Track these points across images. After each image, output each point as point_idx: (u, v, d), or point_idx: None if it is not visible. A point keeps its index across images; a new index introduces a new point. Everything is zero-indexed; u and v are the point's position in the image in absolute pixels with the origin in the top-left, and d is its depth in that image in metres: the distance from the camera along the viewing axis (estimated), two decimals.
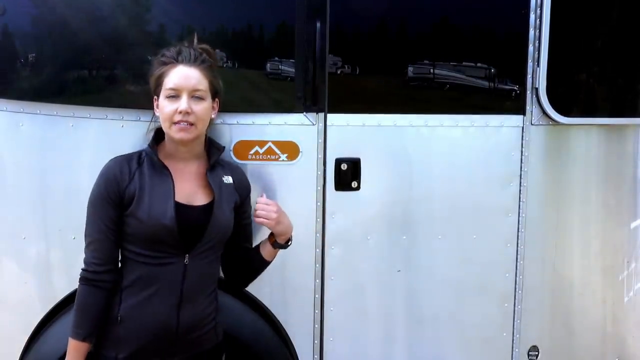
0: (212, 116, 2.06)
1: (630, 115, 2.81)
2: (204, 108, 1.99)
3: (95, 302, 1.95)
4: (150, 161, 2.01)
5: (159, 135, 2.07)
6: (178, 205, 1.95)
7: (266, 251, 2.14)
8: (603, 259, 2.84)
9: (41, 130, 2.33)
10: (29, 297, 2.39)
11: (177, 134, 1.95)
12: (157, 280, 1.94)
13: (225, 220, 2.02)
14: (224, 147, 2.15)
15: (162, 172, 1.99)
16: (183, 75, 1.96)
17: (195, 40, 2.09)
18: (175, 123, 1.94)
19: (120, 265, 2.00)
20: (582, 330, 2.83)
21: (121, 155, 2.04)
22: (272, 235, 2.14)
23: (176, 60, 1.99)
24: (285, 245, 2.15)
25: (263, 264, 2.16)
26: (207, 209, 1.99)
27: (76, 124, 2.33)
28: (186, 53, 2.00)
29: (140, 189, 1.95)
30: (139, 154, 2.03)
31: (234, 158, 2.38)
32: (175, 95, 1.95)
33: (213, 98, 2.05)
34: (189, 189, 2.01)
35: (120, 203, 1.95)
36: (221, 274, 2.18)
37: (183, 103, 1.94)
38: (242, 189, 2.15)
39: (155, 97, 2.03)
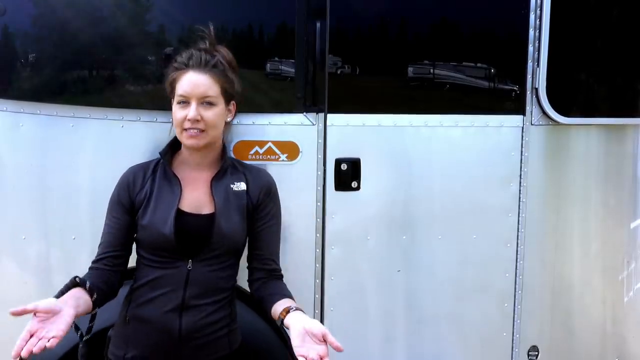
0: (228, 119, 2.06)
1: (630, 115, 2.81)
2: (215, 114, 1.97)
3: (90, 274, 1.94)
4: (163, 169, 2.03)
5: (176, 141, 2.07)
6: (182, 214, 1.96)
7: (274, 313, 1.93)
8: (603, 259, 2.84)
9: (41, 130, 2.33)
10: (29, 297, 2.37)
11: (188, 140, 1.96)
12: (162, 283, 1.95)
13: (231, 229, 1.98)
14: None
15: (172, 180, 2.00)
16: (192, 82, 1.95)
17: (212, 32, 2.07)
18: (185, 130, 1.95)
19: (136, 269, 2.03)
20: (582, 330, 2.83)
21: (139, 164, 2.07)
22: (284, 311, 1.87)
23: (187, 66, 1.98)
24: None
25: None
26: (212, 218, 1.98)
27: (76, 124, 2.33)
28: (197, 58, 1.99)
29: (149, 196, 1.97)
30: (156, 162, 2.06)
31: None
32: (185, 102, 1.96)
33: (228, 101, 2.04)
34: (198, 197, 2.01)
35: (131, 209, 1.99)
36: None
37: (192, 111, 1.93)
38: (256, 194, 2.06)
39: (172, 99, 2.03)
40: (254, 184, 2.07)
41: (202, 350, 1.99)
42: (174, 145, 2.08)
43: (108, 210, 2.03)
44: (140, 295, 1.97)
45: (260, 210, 2.07)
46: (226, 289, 2.03)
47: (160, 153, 2.06)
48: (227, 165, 2.07)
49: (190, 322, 1.95)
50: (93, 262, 2.00)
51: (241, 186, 2.05)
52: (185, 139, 1.97)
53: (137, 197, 1.98)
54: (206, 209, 2.00)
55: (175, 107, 1.98)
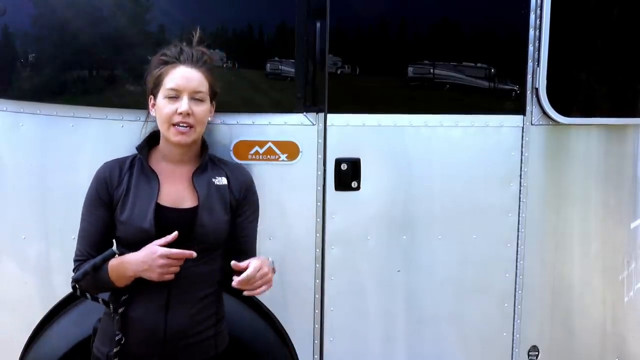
0: (209, 118, 2.04)
1: (630, 115, 2.81)
2: (204, 110, 1.97)
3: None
4: (140, 164, 2.00)
5: (153, 137, 2.06)
6: (161, 209, 1.93)
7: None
8: (603, 259, 2.84)
9: (41, 130, 2.33)
10: (29, 297, 2.39)
11: (176, 137, 1.93)
12: (145, 281, 1.90)
13: (214, 223, 1.96)
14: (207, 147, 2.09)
15: (150, 175, 1.97)
16: (185, 76, 1.94)
17: (197, 37, 2.07)
18: (173, 125, 1.92)
19: None
20: (582, 330, 2.83)
21: (115, 159, 2.03)
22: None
23: (178, 60, 1.96)
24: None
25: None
26: (194, 212, 1.96)
27: (76, 124, 2.33)
28: (188, 53, 1.98)
29: (127, 192, 1.95)
30: (132, 158, 2.03)
31: (234, 158, 2.39)
32: (175, 96, 1.93)
33: (211, 100, 2.03)
34: (177, 191, 1.98)
35: (110, 205, 1.96)
36: None
37: (184, 104, 1.91)
38: (238, 189, 2.06)
39: (152, 96, 2.01)
40: (234, 180, 2.06)
41: (187, 351, 1.96)
42: (151, 141, 2.06)
43: (85, 208, 1.99)
44: (126, 293, 1.94)
45: (242, 205, 2.06)
46: (210, 285, 2.00)
47: (137, 148, 2.03)
48: (207, 160, 2.05)
49: (176, 321, 1.93)
50: (78, 260, 1.96)
51: (223, 180, 2.04)
52: (172, 135, 1.93)
53: (116, 193, 1.95)
54: (187, 202, 1.98)
55: (162, 101, 1.94)
